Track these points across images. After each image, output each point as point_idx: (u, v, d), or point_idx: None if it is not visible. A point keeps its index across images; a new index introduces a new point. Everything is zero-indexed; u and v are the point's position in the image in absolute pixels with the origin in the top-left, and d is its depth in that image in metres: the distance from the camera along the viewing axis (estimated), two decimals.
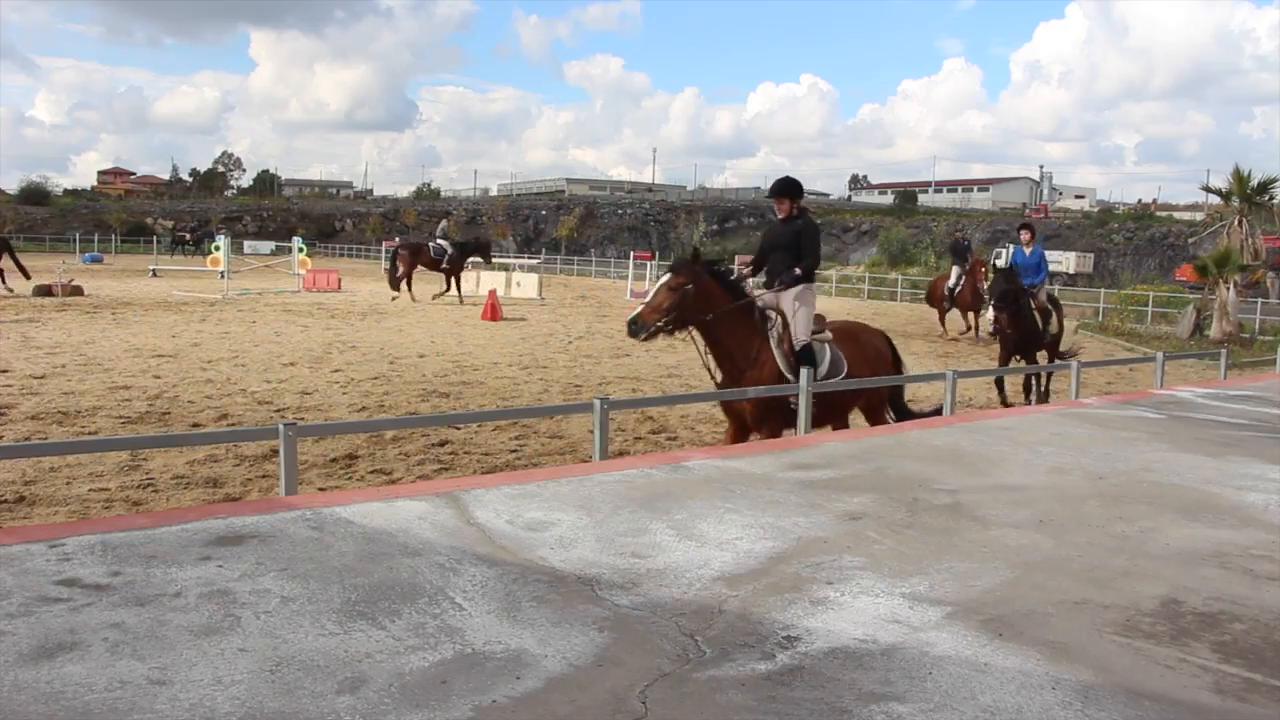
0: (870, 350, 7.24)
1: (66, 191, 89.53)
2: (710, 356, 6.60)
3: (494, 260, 32.48)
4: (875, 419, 7.25)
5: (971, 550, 3.65)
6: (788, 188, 6.91)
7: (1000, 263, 20.67)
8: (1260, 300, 27.59)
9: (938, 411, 7.59)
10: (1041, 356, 12.17)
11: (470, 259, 26.65)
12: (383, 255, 44.50)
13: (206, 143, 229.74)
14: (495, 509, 3.94)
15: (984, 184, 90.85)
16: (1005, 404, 11.14)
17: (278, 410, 9.61)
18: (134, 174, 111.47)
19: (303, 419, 9.06)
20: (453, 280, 25.69)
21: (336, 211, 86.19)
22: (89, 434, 8.31)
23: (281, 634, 2.63)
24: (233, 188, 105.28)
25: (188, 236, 54.99)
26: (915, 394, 11.86)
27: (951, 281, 21.20)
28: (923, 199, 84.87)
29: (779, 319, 6.63)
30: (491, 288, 25.66)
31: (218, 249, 27.05)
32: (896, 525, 3.94)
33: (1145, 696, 2.46)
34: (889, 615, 2.96)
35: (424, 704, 2.28)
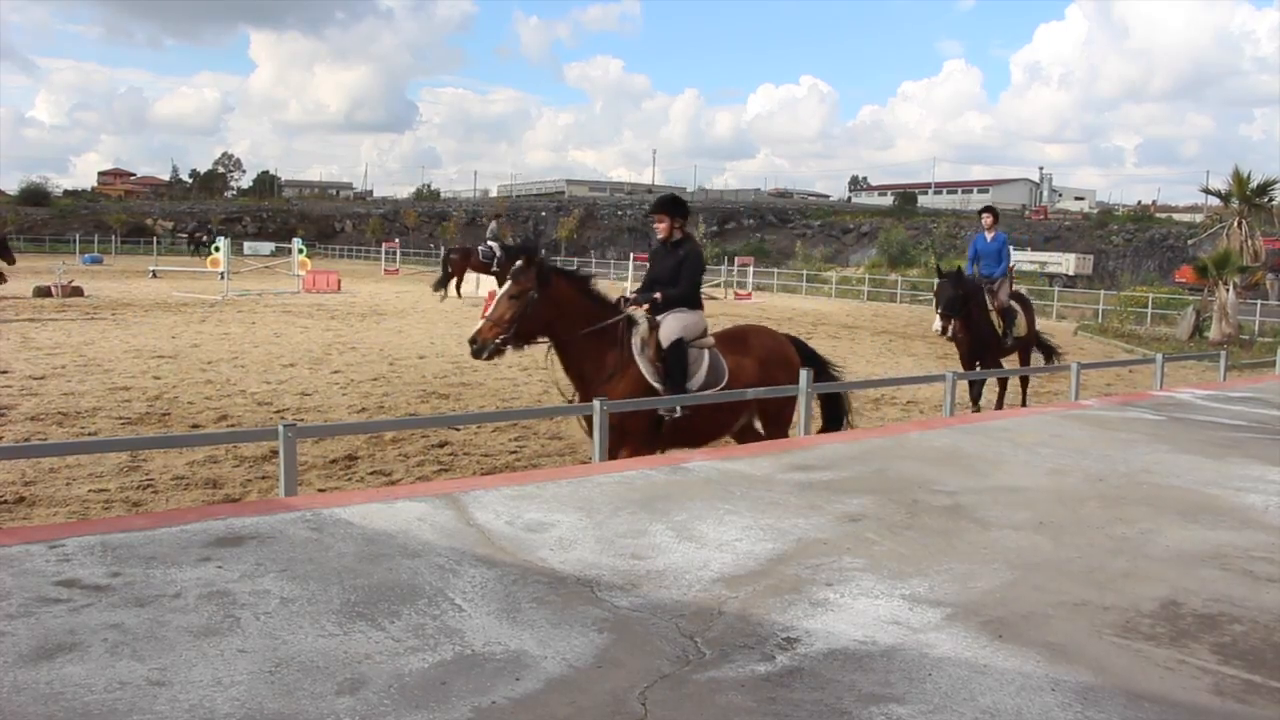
0: (765, 355, 6.46)
1: (66, 192, 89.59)
2: (561, 370, 5.93)
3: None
4: (778, 430, 6.46)
5: (971, 552, 3.65)
6: (668, 204, 6.28)
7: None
8: (1260, 302, 27.61)
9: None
10: (1012, 363, 11.16)
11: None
12: (382, 256, 44.56)
13: (206, 144, 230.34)
14: (495, 510, 3.94)
15: (984, 185, 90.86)
16: (976, 410, 10.14)
17: (277, 411, 9.61)
18: (134, 175, 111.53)
19: (302, 420, 9.06)
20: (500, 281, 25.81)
21: (336, 212, 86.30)
22: (89, 435, 8.31)
23: (281, 635, 2.63)
24: (232, 189, 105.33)
25: (204, 238, 56.26)
26: (915, 394, 11.89)
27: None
28: (922, 200, 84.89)
29: (645, 323, 5.96)
30: (491, 289, 25.66)
31: (217, 250, 27.06)
32: (896, 527, 3.94)
33: (1145, 698, 2.46)
34: (889, 617, 2.96)
35: (423, 705, 2.28)
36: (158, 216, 77.36)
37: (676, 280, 6.11)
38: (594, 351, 5.81)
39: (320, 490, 6.59)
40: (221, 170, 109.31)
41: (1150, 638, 2.86)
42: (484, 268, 25.64)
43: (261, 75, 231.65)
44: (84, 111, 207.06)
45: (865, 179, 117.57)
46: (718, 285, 35.44)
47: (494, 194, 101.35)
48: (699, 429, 6.09)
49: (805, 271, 44.17)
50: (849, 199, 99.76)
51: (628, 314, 5.96)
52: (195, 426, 8.83)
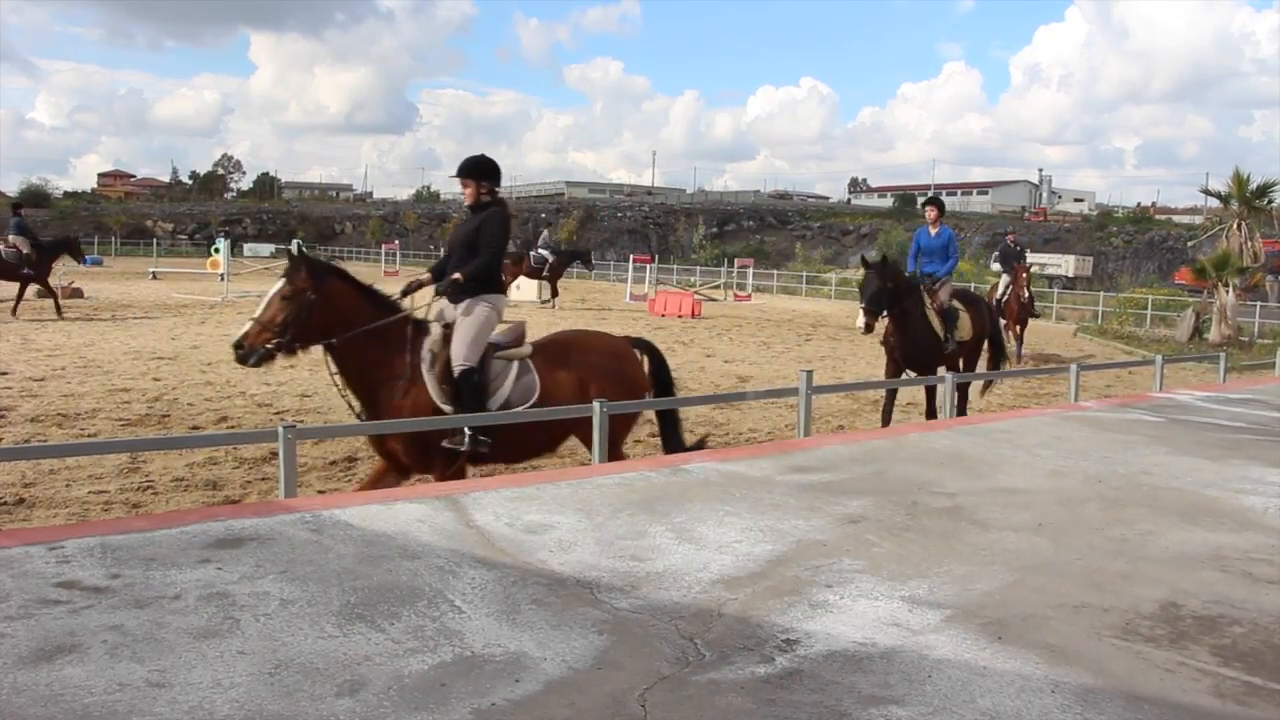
0: (592, 368, 5.70)
1: (66, 194, 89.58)
2: (342, 381, 5.31)
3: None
4: (611, 451, 5.52)
5: (971, 553, 3.65)
6: (473, 168, 5.55)
7: (998, 265, 20.25)
8: (1259, 304, 27.61)
9: (701, 445, 6.30)
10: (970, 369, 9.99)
11: (573, 264, 28.24)
12: (382, 257, 44.54)
13: (206, 145, 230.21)
14: (494, 512, 3.94)
15: (983, 187, 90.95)
16: (885, 424, 8.94)
17: (277, 413, 9.61)
18: (134, 176, 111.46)
19: (302, 421, 9.06)
20: (553, 286, 26.74)
21: (336, 214, 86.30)
22: (88, 436, 8.30)
23: (281, 637, 2.63)
24: (232, 190, 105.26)
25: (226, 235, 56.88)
26: (915, 396, 11.87)
27: (999, 293, 18.50)
28: (922, 202, 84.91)
29: (439, 334, 5.36)
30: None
31: (217, 251, 27.06)
32: (896, 528, 3.94)
33: (1144, 700, 2.46)
34: (888, 618, 2.96)
35: (423, 707, 2.28)
36: (158, 218, 77.34)
37: (475, 248, 5.44)
38: (378, 360, 5.24)
39: (320, 492, 6.59)
40: (221, 172, 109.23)
41: (1150, 639, 2.86)
42: (536, 273, 26.33)
43: (261, 77, 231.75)
44: (84, 113, 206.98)
45: (865, 180, 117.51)
46: (717, 287, 35.44)
47: None
48: (500, 454, 5.48)
49: (805, 273, 44.15)
50: (849, 200, 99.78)
51: (410, 315, 5.37)
52: (195, 428, 8.83)
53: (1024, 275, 17.96)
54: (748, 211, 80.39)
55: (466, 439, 5.18)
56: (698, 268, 48.01)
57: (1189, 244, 45.86)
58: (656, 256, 41.35)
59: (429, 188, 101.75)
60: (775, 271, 46.22)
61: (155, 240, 56.05)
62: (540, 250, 26.89)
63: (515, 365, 5.48)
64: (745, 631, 2.81)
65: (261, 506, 4.17)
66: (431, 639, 2.67)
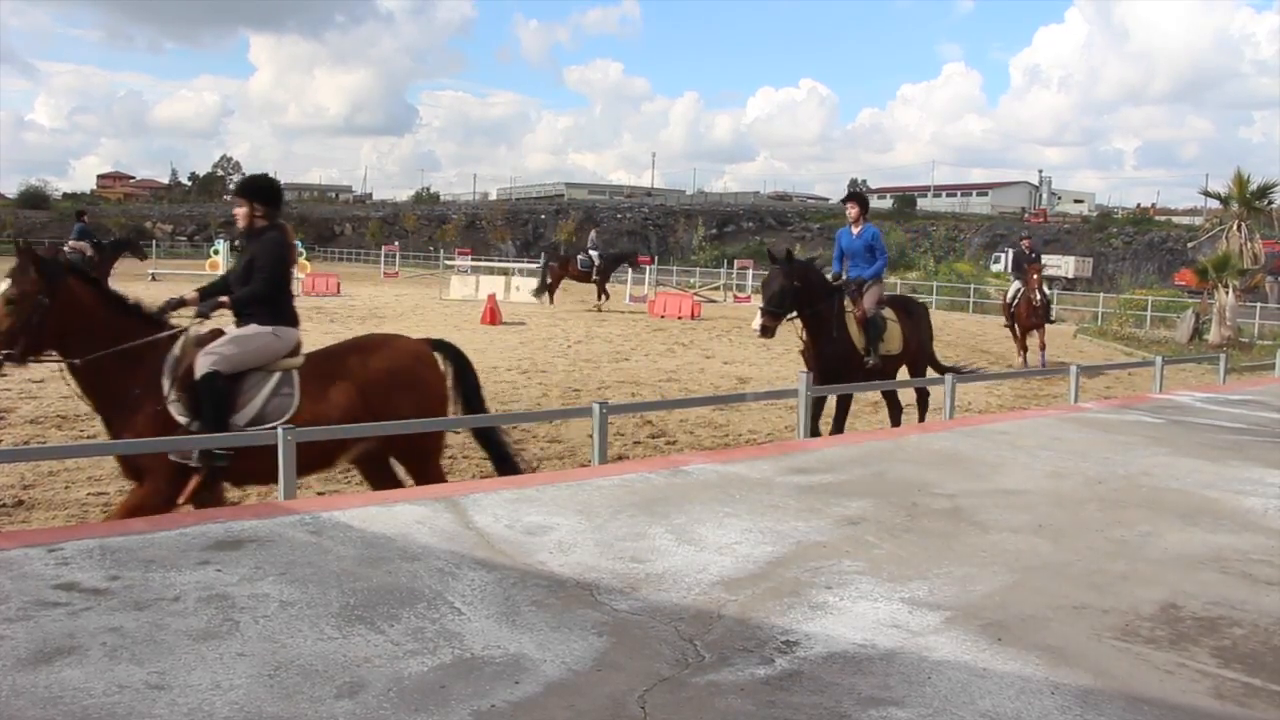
0: (375, 378, 4.96)
1: (66, 195, 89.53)
2: (79, 389, 4.65)
3: (495, 266, 33.23)
4: (418, 473, 5.14)
5: (970, 554, 3.65)
6: (245, 186, 5.09)
7: (997, 266, 20.18)
8: (1259, 305, 27.63)
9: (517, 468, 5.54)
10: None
11: (620, 266, 28.50)
12: (382, 259, 44.59)
13: (206, 147, 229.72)
14: (494, 513, 3.94)
15: (983, 188, 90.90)
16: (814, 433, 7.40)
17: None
18: (133, 178, 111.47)
19: None
20: (600, 287, 27.03)
21: (336, 215, 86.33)
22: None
23: (280, 638, 2.63)
24: (232, 192, 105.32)
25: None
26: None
27: (1009, 296, 17.53)
28: (921, 203, 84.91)
29: (187, 338, 4.74)
30: (490, 292, 25.76)
31: (216, 253, 27.07)
32: (895, 529, 3.94)
33: (1144, 701, 2.46)
34: (888, 620, 2.96)
35: (422, 708, 2.28)
36: (157, 219, 77.40)
37: (248, 280, 4.89)
38: (121, 373, 4.58)
39: (319, 493, 6.59)
40: (221, 173, 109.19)
41: (1150, 641, 2.86)
42: (583, 276, 26.55)
43: (261, 78, 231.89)
44: (84, 115, 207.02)
45: (865, 182, 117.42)
46: (717, 288, 35.44)
47: (493, 197, 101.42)
48: (254, 470, 4.70)
49: None
50: None
51: (179, 332, 4.75)
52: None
53: (1035, 276, 16.65)
54: (747, 213, 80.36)
55: (196, 456, 4.50)
56: (697, 269, 48.03)
57: (1189, 245, 45.87)
58: (656, 258, 41.36)
59: (429, 189, 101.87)
60: None
61: (155, 242, 56.00)
62: (589, 252, 27.06)
63: (275, 378, 4.75)
64: (745, 633, 2.81)
65: (261, 508, 4.17)
66: (431, 641, 2.67)
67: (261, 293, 4.85)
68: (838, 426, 8.04)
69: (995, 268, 46.82)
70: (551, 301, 26.96)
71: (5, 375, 4.79)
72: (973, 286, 34.35)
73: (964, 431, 6.36)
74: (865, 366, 8.08)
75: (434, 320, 21.44)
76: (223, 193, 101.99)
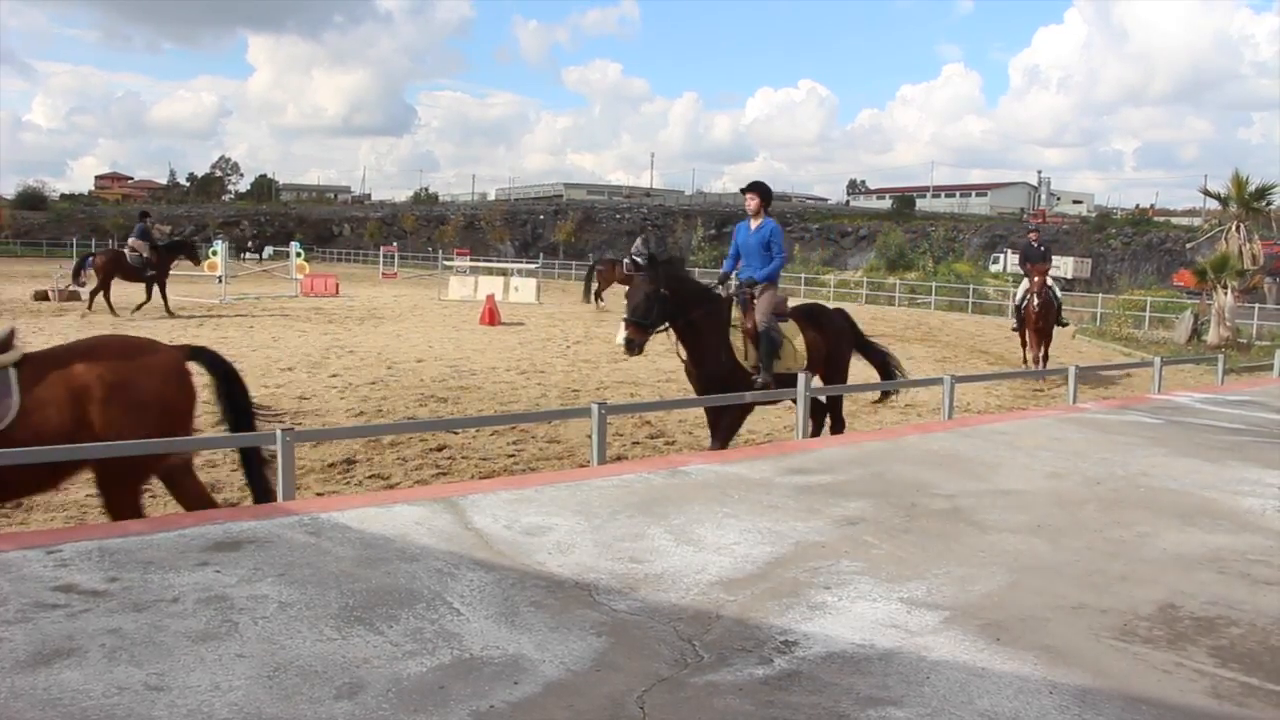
0: (98, 382, 4.35)
1: (63, 196, 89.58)
2: None
3: (494, 266, 33.29)
4: (181, 496, 4.76)
5: (969, 555, 3.65)
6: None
7: (996, 267, 20.15)
8: (1258, 305, 27.64)
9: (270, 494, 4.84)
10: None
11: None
12: (380, 259, 44.59)
13: (204, 147, 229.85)
14: (493, 514, 3.94)
15: (982, 189, 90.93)
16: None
17: (275, 415, 9.59)
18: (131, 179, 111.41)
19: (300, 424, 9.05)
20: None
21: (334, 216, 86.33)
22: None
23: (279, 639, 2.63)
24: (230, 192, 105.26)
25: (249, 245, 60.98)
26: (914, 398, 11.87)
27: (1019, 297, 16.52)
28: (921, 204, 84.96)
29: None
30: (489, 292, 25.76)
31: (215, 254, 27.05)
32: (894, 530, 3.94)
33: (1142, 701, 2.46)
34: (886, 620, 2.96)
35: (422, 709, 2.28)
36: (155, 220, 77.42)
37: None
38: None
39: (318, 494, 6.59)
40: (219, 174, 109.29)
41: (1148, 640, 2.87)
42: (629, 280, 26.58)
43: (259, 79, 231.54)
44: (81, 115, 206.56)
45: (864, 182, 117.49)
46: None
47: (492, 197, 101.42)
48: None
49: (803, 275, 44.17)
50: (847, 202, 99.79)
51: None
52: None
53: (1037, 277, 15.59)
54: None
55: None
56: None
57: (1188, 246, 45.84)
58: None
59: (427, 190, 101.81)
60: None
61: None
62: (636, 256, 27.25)
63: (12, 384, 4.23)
64: (744, 633, 2.81)
65: (260, 509, 4.17)
66: (430, 641, 2.67)
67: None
68: (719, 443, 6.85)
69: (994, 268, 46.85)
70: (600, 303, 27.10)
71: None
72: (971, 287, 34.39)
73: (962, 432, 6.36)
74: (756, 385, 6.87)
75: (432, 321, 21.44)
76: (221, 193, 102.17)
